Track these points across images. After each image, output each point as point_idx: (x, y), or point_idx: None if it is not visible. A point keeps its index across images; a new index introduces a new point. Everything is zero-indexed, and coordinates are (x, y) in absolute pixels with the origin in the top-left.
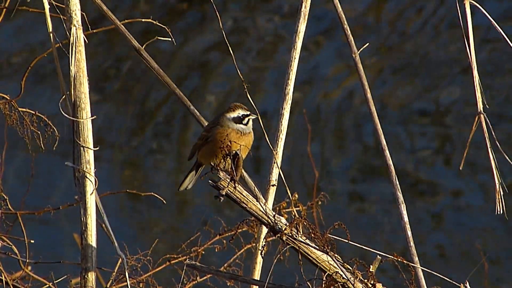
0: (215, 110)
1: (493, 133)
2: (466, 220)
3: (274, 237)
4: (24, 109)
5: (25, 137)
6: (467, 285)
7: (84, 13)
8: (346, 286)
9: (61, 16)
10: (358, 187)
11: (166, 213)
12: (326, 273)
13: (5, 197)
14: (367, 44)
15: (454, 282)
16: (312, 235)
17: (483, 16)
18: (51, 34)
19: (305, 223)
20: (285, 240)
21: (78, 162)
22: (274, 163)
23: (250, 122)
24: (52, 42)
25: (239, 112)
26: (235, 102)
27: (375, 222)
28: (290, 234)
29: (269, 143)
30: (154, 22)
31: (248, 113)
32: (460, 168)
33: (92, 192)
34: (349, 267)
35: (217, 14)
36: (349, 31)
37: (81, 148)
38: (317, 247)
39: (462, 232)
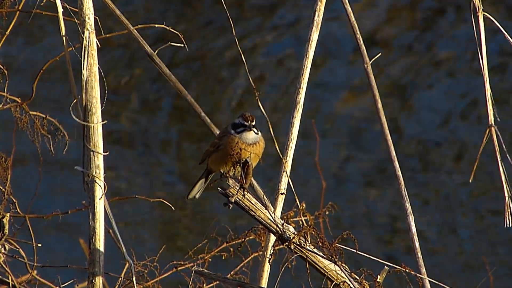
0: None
1: (504, 146)
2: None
3: (282, 246)
4: (34, 113)
5: (35, 141)
6: None
7: (97, 17)
8: None
9: (75, 20)
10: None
11: (175, 219)
12: (334, 283)
13: (14, 200)
14: (379, 54)
15: None
16: (320, 244)
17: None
18: (63, 38)
19: (313, 232)
20: (293, 249)
21: (87, 167)
22: (284, 171)
23: (244, 133)
24: (65, 46)
25: (239, 120)
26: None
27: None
28: (298, 243)
29: (278, 151)
30: (168, 28)
31: (247, 124)
32: (470, 181)
33: (101, 197)
34: (356, 277)
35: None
36: (361, 41)
37: (91, 153)
38: (325, 256)
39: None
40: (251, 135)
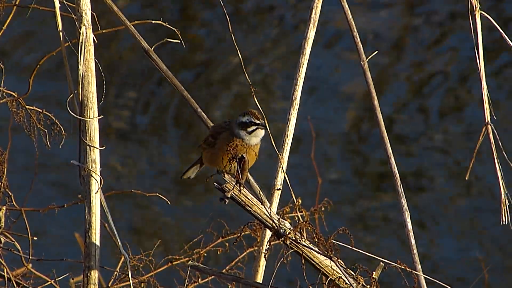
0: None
1: (500, 144)
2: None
3: (277, 241)
4: (31, 107)
5: (31, 135)
6: None
7: (94, 13)
8: None
9: (72, 16)
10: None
11: (170, 214)
12: (329, 278)
13: (10, 193)
14: (376, 52)
15: None
16: (316, 240)
17: None
18: (60, 33)
19: (309, 228)
20: (288, 244)
21: (84, 161)
22: (280, 167)
23: (257, 132)
24: (62, 41)
25: (248, 118)
26: (251, 108)
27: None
28: (294, 238)
29: (275, 147)
30: (164, 24)
31: (258, 122)
32: (466, 178)
33: (97, 191)
34: (352, 272)
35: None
36: (358, 38)
37: (87, 147)
38: (321, 252)
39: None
40: (261, 134)
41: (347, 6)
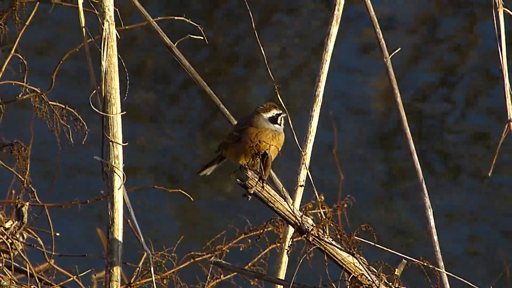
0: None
1: None
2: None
3: (300, 238)
4: (54, 103)
5: (54, 131)
6: None
7: (117, 9)
8: None
9: (95, 11)
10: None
11: (192, 209)
12: (351, 275)
13: (33, 189)
14: (399, 49)
15: None
16: (339, 237)
17: None
18: (83, 29)
19: (331, 225)
20: (311, 241)
21: (106, 157)
22: (303, 164)
23: (283, 121)
24: (84, 37)
25: (274, 112)
26: (269, 101)
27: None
28: (317, 235)
29: (298, 143)
30: (187, 21)
31: (280, 112)
32: (489, 175)
33: (120, 187)
34: (374, 269)
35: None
36: (381, 35)
37: (110, 143)
38: (343, 249)
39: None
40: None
41: (369, 2)
